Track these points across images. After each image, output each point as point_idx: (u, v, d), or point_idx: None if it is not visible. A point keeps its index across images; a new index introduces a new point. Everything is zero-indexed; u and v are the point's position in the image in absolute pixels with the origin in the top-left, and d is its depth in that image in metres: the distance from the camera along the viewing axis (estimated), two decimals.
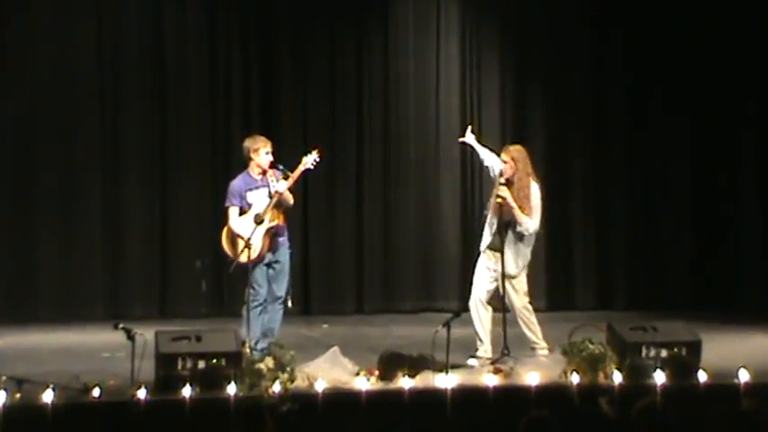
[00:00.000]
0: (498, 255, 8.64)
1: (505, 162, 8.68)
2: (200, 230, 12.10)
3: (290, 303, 8.88)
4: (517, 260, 8.66)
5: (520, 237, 8.65)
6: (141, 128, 12.20)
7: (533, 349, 8.70)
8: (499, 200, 8.61)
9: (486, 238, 8.76)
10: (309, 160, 8.89)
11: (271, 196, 8.74)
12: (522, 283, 8.75)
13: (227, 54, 12.45)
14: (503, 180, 8.66)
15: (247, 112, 12.41)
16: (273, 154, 8.86)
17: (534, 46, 13.00)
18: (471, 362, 8.52)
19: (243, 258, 8.55)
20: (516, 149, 8.80)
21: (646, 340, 8.04)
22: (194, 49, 12.37)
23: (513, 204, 8.60)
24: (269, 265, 8.75)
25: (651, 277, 12.94)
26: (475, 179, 12.76)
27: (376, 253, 12.72)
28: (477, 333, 8.71)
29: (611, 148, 13.08)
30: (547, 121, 12.99)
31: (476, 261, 8.95)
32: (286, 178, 8.74)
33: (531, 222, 8.63)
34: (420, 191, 12.88)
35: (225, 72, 12.43)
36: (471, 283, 8.88)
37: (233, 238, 8.71)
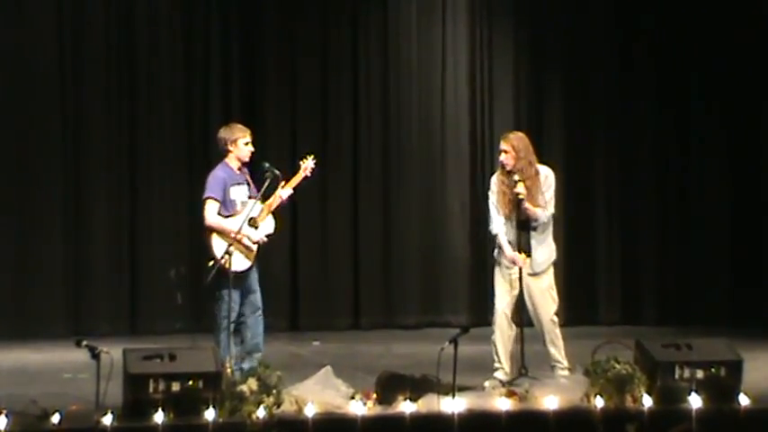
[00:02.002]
0: (522, 257, 8.65)
1: (505, 152, 8.69)
2: (175, 236, 12.11)
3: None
4: (539, 253, 8.67)
5: (534, 229, 8.68)
6: (107, 122, 12.19)
7: (553, 368, 8.70)
8: (521, 196, 8.59)
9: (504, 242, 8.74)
10: (310, 166, 9.02)
11: (258, 196, 8.74)
12: (551, 289, 8.75)
13: (204, 36, 12.45)
14: (516, 177, 8.65)
15: (227, 101, 12.43)
16: (254, 144, 8.87)
17: (552, 24, 13.02)
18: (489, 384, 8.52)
19: (241, 266, 8.57)
20: (517, 137, 8.82)
21: (679, 359, 8.00)
22: (167, 29, 12.35)
23: (527, 205, 8.62)
24: (244, 278, 8.76)
25: (685, 288, 12.95)
26: (486, 175, 12.66)
27: (374, 259, 12.74)
28: (496, 353, 8.71)
29: (640, 144, 13.09)
30: (567, 112, 13.02)
31: (492, 269, 8.89)
32: (275, 180, 8.72)
33: (540, 212, 8.66)
34: (424, 188, 12.89)
35: (202, 57, 12.43)
36: (493, 296, 8.85)
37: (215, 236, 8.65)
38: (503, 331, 8.68)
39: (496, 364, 8.68)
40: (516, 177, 8.65)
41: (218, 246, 8.58)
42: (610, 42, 13.07)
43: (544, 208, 8.68)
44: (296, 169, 8.99)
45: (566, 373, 8.59)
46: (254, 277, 8.82)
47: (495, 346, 8.70)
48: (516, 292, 8.62)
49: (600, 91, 13.07)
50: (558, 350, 8.72)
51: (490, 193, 8.85)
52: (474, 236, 12.79)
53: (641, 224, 13.08)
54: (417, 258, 12.82)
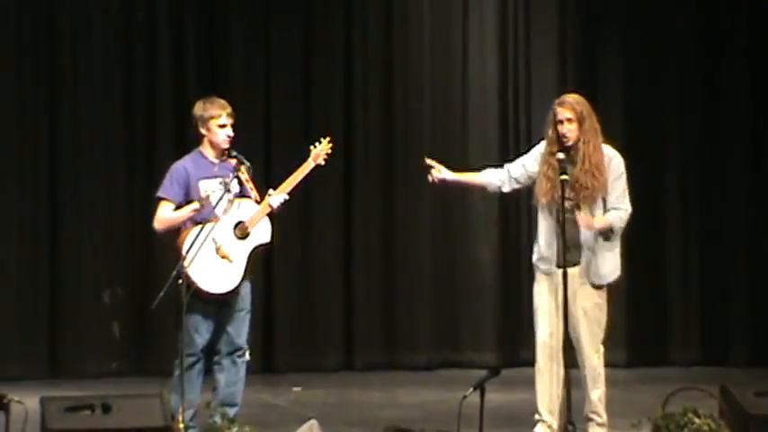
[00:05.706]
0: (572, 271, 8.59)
1: (568, 120, 8.46)
2: (108, 249, 12.09)
3: (248, 356, 8.87)
4: (605, 261, 8.60)
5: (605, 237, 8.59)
6: (20, 110, 12.19)
7: (589, 421, 8.67)
8: (564, 176, 8.35)
9: (545, 248, 8.69)
10: (321, 153, 8.98)
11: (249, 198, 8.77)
12: (602, 309, 8.73)
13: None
14: (561, 155, 8.46)
15: (180, 78, 12.45)
16: (234, 128, 8.82)
17: None
18: None
19: (216, 286, 8.55)
20: (578, 101, 8.56)
21: None
22: None
23: (581, 216, 8.51)
24: (223, 302, 8.74)
25: None
26: None
27: (372, 282, 12.79)
28: (537, 400, 8.66)
29: (728, 133, 13.05)
30: (629, 87, 13.01)
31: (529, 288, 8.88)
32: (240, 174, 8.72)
33: (615, 218, 8.47)
34: (439, 189, 12.85)
35: (145, 23, 12.42)
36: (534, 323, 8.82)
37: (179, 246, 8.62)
38: (545, 371, 8.66)
39: (536, 416, 8.66)
40: (561, 155, 8.44)
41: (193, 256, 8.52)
42: None
43: (617, 209, 8.53)
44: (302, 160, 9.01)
45: (604, 430, 8.62)
46: (239, 304, 8.79)
47: (537, 391, 8.68)
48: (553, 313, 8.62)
49: (676, 61, 13.02)
50: (601, 397, 8.69)
51: (528, 160, 8.73)
52: (504, 246, 12.81)
53: (728, 240, 13.04)
54: (429, 280, 12.84)
